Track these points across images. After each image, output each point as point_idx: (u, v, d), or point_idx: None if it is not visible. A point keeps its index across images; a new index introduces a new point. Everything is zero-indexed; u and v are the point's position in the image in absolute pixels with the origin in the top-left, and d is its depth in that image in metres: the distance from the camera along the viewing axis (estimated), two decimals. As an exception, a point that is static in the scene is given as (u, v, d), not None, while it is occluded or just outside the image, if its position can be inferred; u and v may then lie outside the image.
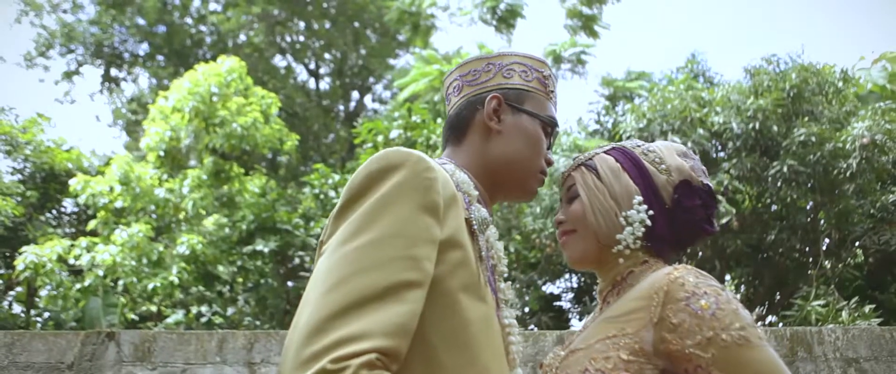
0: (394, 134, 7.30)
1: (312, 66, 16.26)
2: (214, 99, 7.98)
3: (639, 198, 1.15)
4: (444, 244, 0.89)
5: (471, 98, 1.14)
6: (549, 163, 1.15)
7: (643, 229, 1.14)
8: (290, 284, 8.06)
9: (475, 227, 0.99)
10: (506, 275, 1.08)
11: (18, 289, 8.65)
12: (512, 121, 1.11)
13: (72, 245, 7.02)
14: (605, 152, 1.23)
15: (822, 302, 6.05)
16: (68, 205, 9.45)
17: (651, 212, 1.15)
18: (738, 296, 8.44)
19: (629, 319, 1.04)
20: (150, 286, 6.68)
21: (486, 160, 1.10)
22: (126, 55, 14.22)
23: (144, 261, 6.85)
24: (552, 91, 1.17)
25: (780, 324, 7.61)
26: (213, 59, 14.08)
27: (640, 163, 1.19)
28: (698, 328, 0.98)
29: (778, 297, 7.91)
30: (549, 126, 1.14)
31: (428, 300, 0.85)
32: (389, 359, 0.78)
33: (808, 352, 3.49)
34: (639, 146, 1.24)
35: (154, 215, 7.82)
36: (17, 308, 8.80)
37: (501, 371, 0.95)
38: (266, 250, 7.08)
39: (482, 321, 0.92)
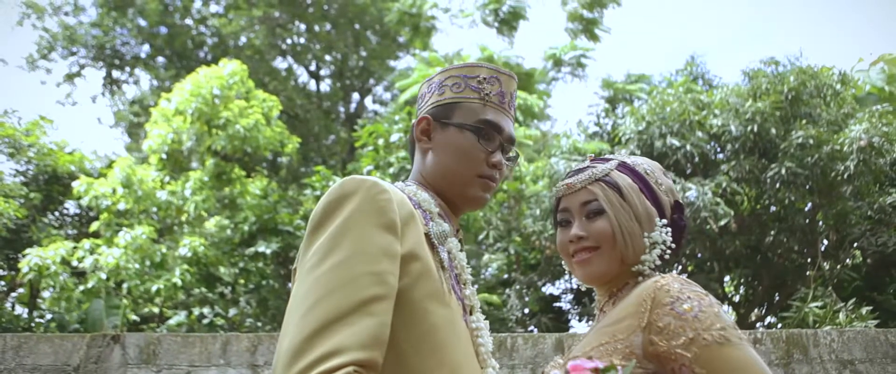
0: (394, 137, 7.34)
1: (313, 67, 16.32)
2: (216, 101, 8.03)
3: (663, 220, 1.21)
4: (405, 258, 0.97)
5: (412, 122, 1.24)
6: (494, 166, 1.16)
7: (669, 251, 1.19)
8: (290, 285, 8.09)
9: (434, 240, 1.06)
10: (471, 282, 1.14)
11: (21, 290, 8.69)
12: (441, 137, 1.16)
13: (75, 247, 7.06)
14: (616, 169, 1.24)
15: (819, 304, 6.09)
16: (70, 207, 9.50)
17: (670, 232, 1.21)
18: (738, 297, 8.50)
19: (621, 326, 1.11)
20: (154, 288, 6.73)
21: (427, 178, 1.17)
22: (127, 57, 14.28)
23: (147, 263, 6.90)
24: (489, 94, 1.18)
25: (780, 325, 7.64)
26: (215, 60, 14.14)
27: (649, 184, 1.24)
28: (682, 329, 1.05)
29: (777, 298, 7.94)
30: (479, 130, 1.15)
31: (396, 311, 0.93)
32: (366, 369, 0.86)
33: (804, 354, 3.53)
34: (638, 165, 1.27)
35: (156, 218, 7.86)
36: (19, 309, 8.84)
37: (473, 369, 1.03)
38: (268, 251, 7.12)
39: (448, 325, 1.00)
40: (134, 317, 8.07)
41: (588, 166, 1.27)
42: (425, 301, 0.98)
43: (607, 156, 1.30)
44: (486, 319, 1.14)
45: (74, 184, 7.68)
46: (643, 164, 1.28)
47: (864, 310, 5.89)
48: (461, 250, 1.15)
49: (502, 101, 1.20)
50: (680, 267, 7.43)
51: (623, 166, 1.25)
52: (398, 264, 0.96)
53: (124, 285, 6.98)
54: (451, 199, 1.17)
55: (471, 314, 1.10)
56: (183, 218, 8.00)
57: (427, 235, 1.06)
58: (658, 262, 1.19)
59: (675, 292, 1.09)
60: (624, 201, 1.20)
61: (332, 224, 0.96)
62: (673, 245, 1.20)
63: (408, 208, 1.03)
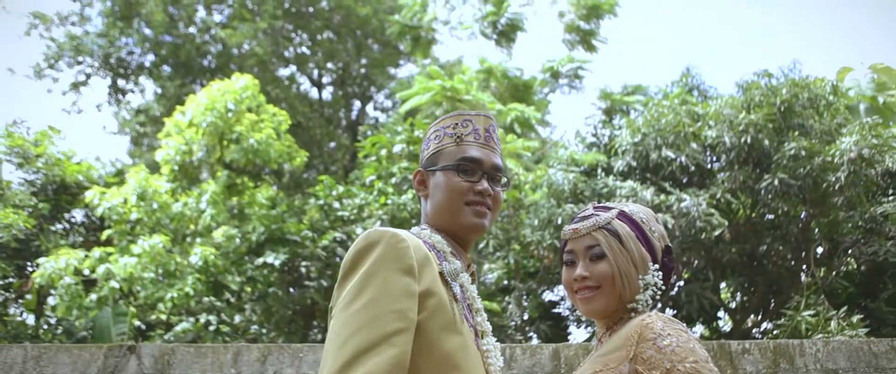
0: (397, 148, 7.52)
1: (315, 75, 16.50)
2: (229, 115, 8.25)
3: (656, 266, 1.41)
4: (422, 295, 1.18)
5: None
6: (480, 193, 1.36)
7: (660, 292, 1.40)
8: (292, 291, 8.21)
9: (447, 277, 1.27)
10: (481, 310, 1.34)
11: (28, 297, 8.83)
12: (432, 182, 1.40)
13: (86, 256, 7.22)
14: (617, 218, 1.43)
15: (812, 312, 6.23)
16: (77, 215, 9.65)
17: (661, 276, 1.41)
18: (734, 304, 8.64)
19: (613, 356, 1.31)
20: (168, 297, 6.90)
21: (432, 221, 1.39)
22: (132, 66, 14.46)
23: (160, 272, 7.07)
24: (462, 135, 1.40)
25: (775, 331, 7.78)
26: (219, 69, 14.29)
27: (644, 232, 1.43)
28: (661, 361, 1.25)
29: (773, 304, 8.08)
30: (458, 167, 1.37)
31: (415, 340, 1.14)
32: None
33: (790, 363, 3.69)
34: (635, 214, 1.46)
35: (168, 227, 8.03)
36: (23, 315, 8.96)
37: None
38: (277, 262, 7.28)
39: (461, 350, 1.21)
40: (139, 324, 8.21)
41: (592, 214, 1.45)
42: (440, 331, 1.18)
43: (608, 204, 1.48)
44: (497, 341, 1.34)
45: (88, 194, 7.85)
46: (639, 212, 1.46)
47: (855, 318, 6.04)
48: (473, 283, 1.35)
49: (478, 137, 1.41)
50: (676, 276, 7.59)
51: (622, 215, 1.44)
52: (416, 301, 1.16)
53: (141, 294, 7.14)
54: (455, 232, 1.36)
55: (482, 338, 1.29)
56: (192, 227, 8.17)
57: (441, 273, 1.25)
58: (650, 301, 1.39)
59: (658, 329, 1.29)
60: (623, 247, 1.39)
61: (360, 269, 1.17)
62: (663, 287, 1.41)
63: (423, 251, 1.23)
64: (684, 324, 1.33)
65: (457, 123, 1.42)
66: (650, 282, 1.39)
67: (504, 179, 1.43)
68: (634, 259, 1.39)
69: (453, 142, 1.40)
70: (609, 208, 1.46)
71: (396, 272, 1.16)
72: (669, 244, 1.47)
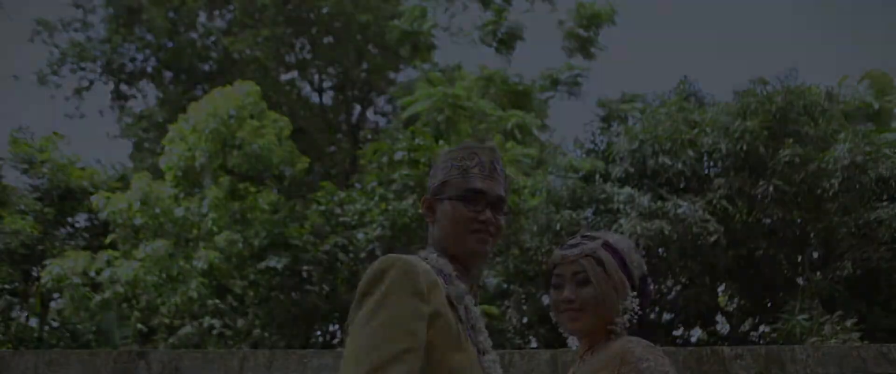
0: (398, 155, 7.63)
1: (316, 79, 16.60)
2: (231, 121, 8.37)
3: (634, 292, 1.56)
4: (431, 317, 1.30)
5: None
6: (484, 222, 1.48)
7: (637, 316, 1.54)
8: (295, 295, 8.30)
9: (453, 300, 1.39)
10: (483, 330, 1.47)
11: (31, 301, 8.92)
12: (439, 210, 1.51)
13: (93, 258, 7.33)
14: (602, 248, 1.57)
15: (806, 316, 6.33)
16: (81, 220, 9.76)
17: (638, 302, 1.55)
18: (731, 308, 8.74)
19: None
20: (172, 300, 6.99)
21: (438, 244, 1.51)
22: (134, 72, 14.57)
23: (164, 276, 7.17)
24: (468, 167, 1.52)
25: (773, 335, 7.88)
26: (220, 74, 14.38)
27: (625, 261, 1.58)
28: None
29: (769, 308, 8.17)
30: (463, 197, 1.48)
31: (425, 358, 1.26)
32: None
33: (781, 369, 3.79)
34: (617, 243, 1.61)
35: (171, 232, 8.12)
36: (28, 319, 9.05)
37: None
38: (279, 266, 7.37)
39: (466, 368, 1.33)
40: (141, 328, 8.29)
41: (580, 243, 1.60)
42: (447, 350, 1.31)
43: (594, 234, 1.63)
44: (495, 347, 1.46)
45: (93, 198, 7.97)
46: (621, 243, 1.61)
47: (849, 323, 6.13)
48: (475, 305, 1.47)
49: (483, 170, 1.52)
50: (674, 280, 7.68)
51: (606, 245, 1.59)
52: (426, 322, 1.28)
53: (144, 298, 7.24)
54: (459, 257, 1.48)
55: (484, 355, 1.42)
56: (195, 232, 8.26)
57: (447, 296, 1.38)
58: (628, 324, 1.53)
59: (639, 353, 1.43)
60: (606, 274, 1.53)
61: (375, 293, 1.30)
62: (640, 312, 1.55)
63: (432, 276, 1.36)
64: (661, 350, 1.47)
65: (463, 156, 1.53)
66: (628, 307, 1.54)
67: (506, 208, 1.54)
68: (615, 285, 1.53)
69: (459, 173, 1.51)
70: (595, 238, 1.60)
71: (408, 296, 1.27)
72: (646, 273, 1.61)
